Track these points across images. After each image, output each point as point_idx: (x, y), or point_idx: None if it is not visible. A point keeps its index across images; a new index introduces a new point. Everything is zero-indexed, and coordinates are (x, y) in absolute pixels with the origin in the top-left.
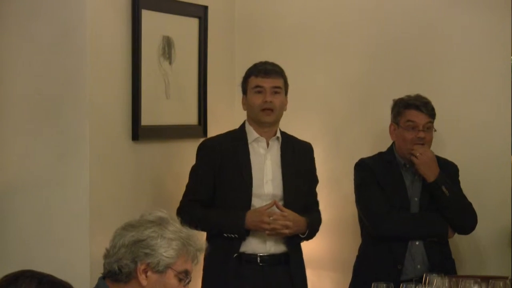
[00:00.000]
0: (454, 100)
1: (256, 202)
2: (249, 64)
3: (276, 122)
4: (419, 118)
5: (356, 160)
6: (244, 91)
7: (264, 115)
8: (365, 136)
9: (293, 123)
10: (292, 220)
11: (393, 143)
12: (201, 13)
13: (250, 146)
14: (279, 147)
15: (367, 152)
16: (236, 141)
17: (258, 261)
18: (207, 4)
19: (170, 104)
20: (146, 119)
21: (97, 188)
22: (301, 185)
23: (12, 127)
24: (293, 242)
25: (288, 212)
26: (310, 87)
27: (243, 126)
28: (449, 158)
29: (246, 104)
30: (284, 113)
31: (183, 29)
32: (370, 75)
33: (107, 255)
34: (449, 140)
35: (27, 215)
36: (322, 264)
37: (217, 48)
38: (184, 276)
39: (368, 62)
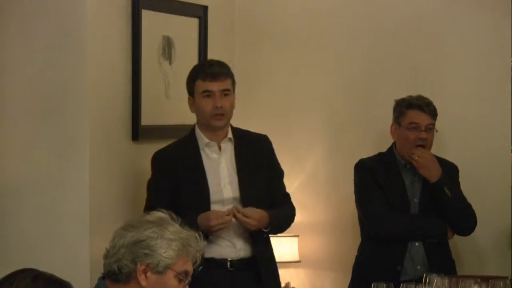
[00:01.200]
0: (454, 100)
1: (217, 208)
2: (249, 64)
3: (228, 124)
4: (422, 118)
5: (356, 160)
6: (191, 93)
7: (215, 120)
8: (365, 136)
9: (293, 123)
10: (255, 217)
11: (393, 143)
12: (201, 13)
13: (202, 152)
14: (232, 148)
15: (367, 152)
16: (187, 149)
17: (228, 266)
18: (207, 4)
19: (170, 104)
20: (146, 119)
21: (97, 188)
22: (261, 183)
23: (12, 127)
24: (260, 243)
25: (249, 210)
26: (310, 87)
27: (193, 131)
28: (449, 158)
29: (195, 108)
30: (284, 112)
31: (183, 29)
32: (370, 75)
33: (107, 255)
34: (449, 141)
35: (27, 215)
36: (322, 264)
37: (217, 48)
38: (184, 276)
39: (368, 62)
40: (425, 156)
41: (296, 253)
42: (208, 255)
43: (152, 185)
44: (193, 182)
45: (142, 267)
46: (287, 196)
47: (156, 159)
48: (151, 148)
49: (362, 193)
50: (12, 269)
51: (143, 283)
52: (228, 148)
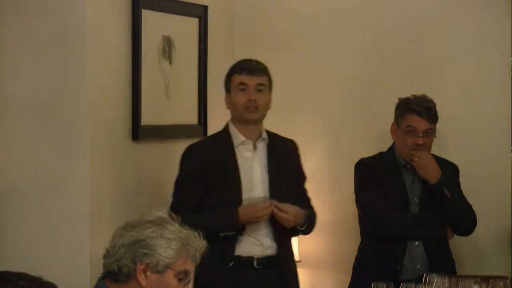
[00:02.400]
0: (454, 100)
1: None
2: None
3: (261, 120)
4: (419, 124)
5: (356, 160)
6: (228, 90)
7: (248, 113)
8: (365, 136)
9: (293, 123)
10: (292, 213)
11: (394, 143)
12: (201, 13)
13: (236, 150)
14: (265, 148)
15: (367, 152)
16: (221, 145)
17: (255, 264)
18: (207, 4)
19: (170, 104)
20: (146, 119)
21: (97, 188)
22: (289, 185)
23: (12, 127)
24: (285, 242)
25: (286, 206)
26: (310, 87)
27: (227, 128)
28: (449, 159)
29: (230, 103)
30: (284, 112)
31: (183, 29)
32: (370, 75)
33: (106, 255)
34: (449, 141)
35: (27, 215)
36: (322, 264)
37: (217, 48)
38: (184, 276)
39: (368, 62)
40: (424, 157)
41: (296, 253)
42: (235, 253)
43: (183, 180)
44: (226, 178)
45: (142, 267)
46: (309, 200)
47: (189, 153)
48: (151, 148)
49: (362, 192)
50: (12, 269)
51: (143, 282)
52: (261, 147)
